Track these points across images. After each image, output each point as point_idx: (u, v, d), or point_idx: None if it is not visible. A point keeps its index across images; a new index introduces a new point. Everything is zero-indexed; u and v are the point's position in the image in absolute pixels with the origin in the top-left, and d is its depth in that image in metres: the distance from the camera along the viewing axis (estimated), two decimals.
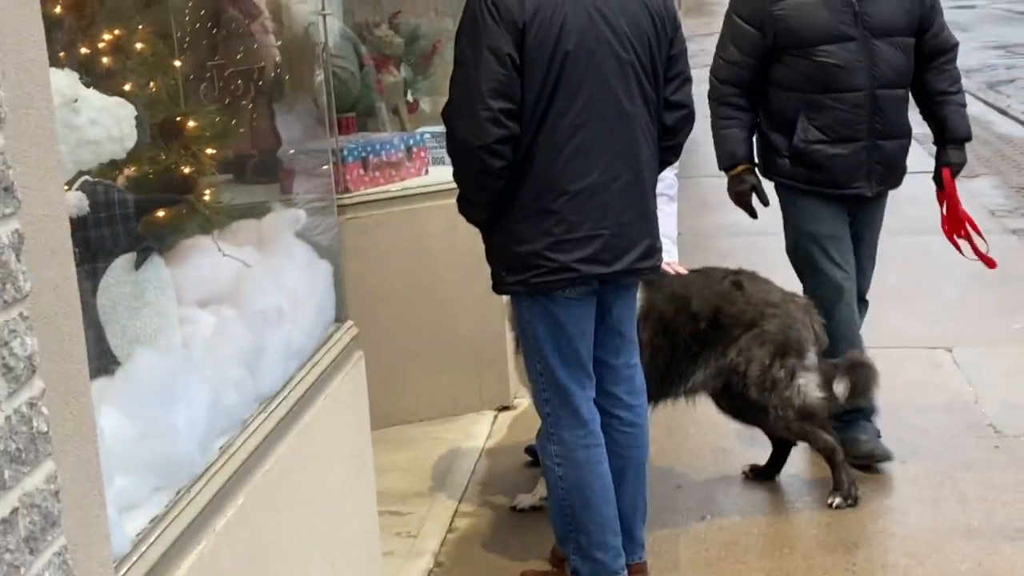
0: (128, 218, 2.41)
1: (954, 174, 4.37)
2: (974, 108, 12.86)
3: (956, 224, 4.48)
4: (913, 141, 4.33)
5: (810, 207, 4.23)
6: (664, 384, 3.94)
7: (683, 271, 3.98)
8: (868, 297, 4.49)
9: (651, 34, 3.13)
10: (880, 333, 5.54)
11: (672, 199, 4.08)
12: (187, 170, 2.69)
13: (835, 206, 4.23)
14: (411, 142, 4.94)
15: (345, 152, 4.69)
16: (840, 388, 4.00)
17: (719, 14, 4.79)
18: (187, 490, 2.05)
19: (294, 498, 2.43)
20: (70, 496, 1.45)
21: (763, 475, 4.20)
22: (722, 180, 4.41)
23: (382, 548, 3.63)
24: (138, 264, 2.39)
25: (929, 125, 4.43)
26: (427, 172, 4.95)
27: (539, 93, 3.00)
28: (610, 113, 3.07)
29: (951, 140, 4.31)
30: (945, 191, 4.42)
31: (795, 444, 4.16)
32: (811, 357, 3.95)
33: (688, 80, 3.28)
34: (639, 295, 3.79)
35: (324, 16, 4.59)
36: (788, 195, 4.28)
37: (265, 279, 2.68)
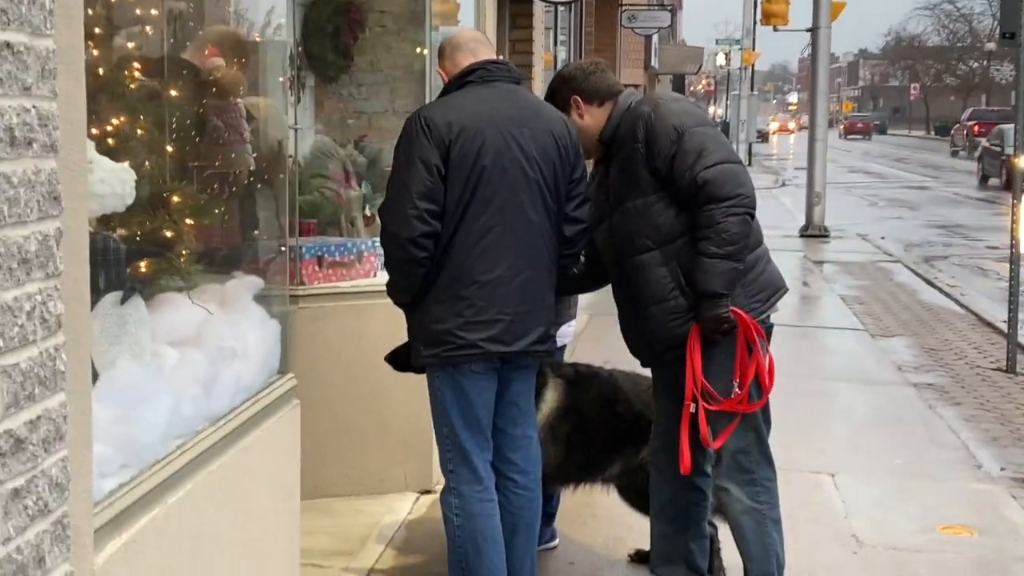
0: (120, 263, 3.01)
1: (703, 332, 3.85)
2: (903, 276, 13.93)
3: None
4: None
5: None
6: (583, 472, 4.56)
7: None
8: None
9: (556, 159, 3.82)
10: (775, 458, 6.17)
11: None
12: (169, 234, 3.32)
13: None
14: (363, 247, 5.60)
15: (303, 250, 5.34)
16: None
17: None
18: (148, 469, 2.61)
19: (231, 499, 2.99)
20: (71, 424, 2.03)
21: (647, 559, 4.73)
22: None
23: None
24: (123, 300, 2.98)
25: None
26: (375, 275, 5.58)
27: (458, 199, 3.66)
28: (517, 220, 3.73)
29: None
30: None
31: None
32: None
33: (587, 200, 3.96)
34: (559, 395, 4.41)
35: (296, 130, 5.30)
36: None
37: (223, 327, 3.28)
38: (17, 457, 1.82)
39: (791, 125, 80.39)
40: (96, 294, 2.83)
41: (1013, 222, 8.84)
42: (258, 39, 5.24)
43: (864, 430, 7.08)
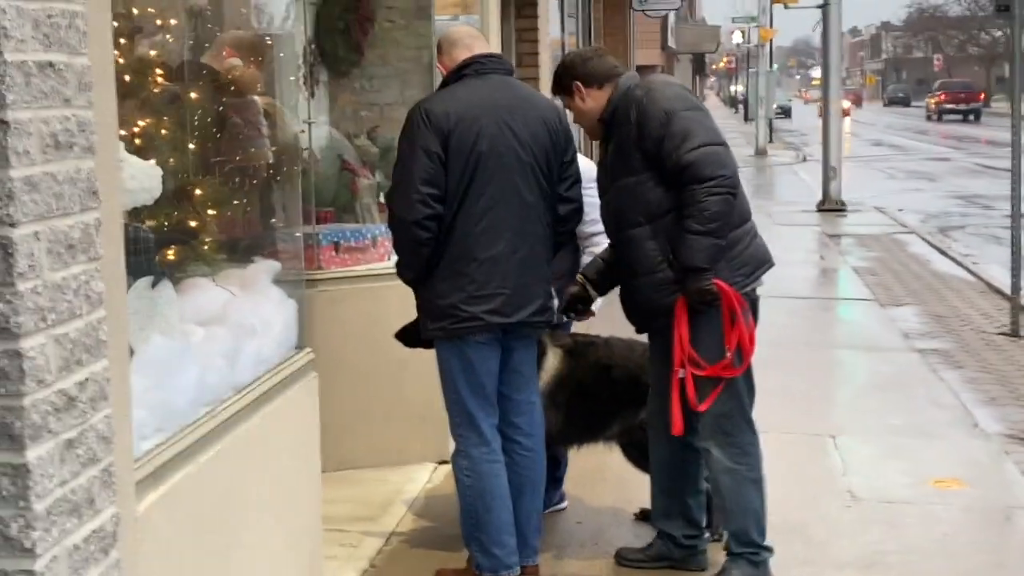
0: (150, 251, 3.34)
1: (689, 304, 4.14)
2: (917, 247, 14.13)
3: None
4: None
5: None
6: (585, 433, 4.87)
7: None
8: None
9: (548, 144, 4.12)
10: (779, 421, 6.47)
11: None
12: (193, 223, 3.65)
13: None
14: (377, 232, 5.92)
15: (320, 237, 5.67)
16: None
17: None
18: (181, 431, 2.94)
19: (256, 461, 3.31)
20: (113, 386, 2.36)
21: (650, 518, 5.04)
22: None
23: (326, 554, 4.48)
24: (154, 284, 3.30)
25: None
26: (389, 258, 5.88)
27: (458, 183, 3.97)
28: (513, 201, 4.04)
29: None
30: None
31: None
32: None
33: (578, 181, 4.26)
34: (557, 363, 4.71)
35: (310, 124, 5.62)
36: None
37: (244, 306, 3.60)
38: (70, 412, 2.15)
39: (845, 104, 65.33)
40: (130, 279, 3.17)
41: (1013, 191, 9.08)
42: (271, 39, 5.53)
43: (866, 394, 7.37)
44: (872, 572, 4.54)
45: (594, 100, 4.35)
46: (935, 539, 4.87)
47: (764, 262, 4.34)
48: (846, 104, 55.31)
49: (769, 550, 4.34)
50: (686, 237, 4.06)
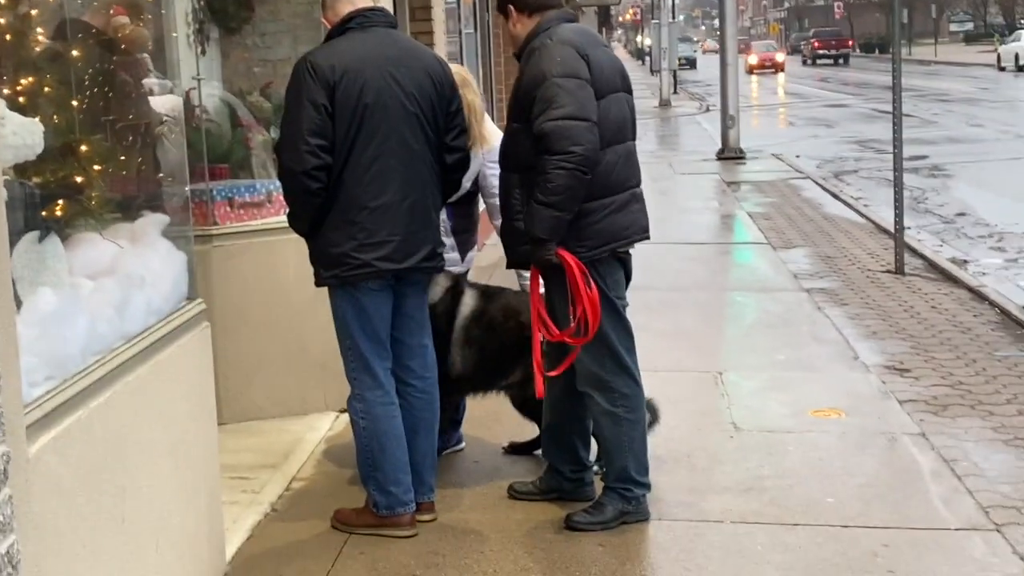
0: (36, 206, 3.40)
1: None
2: (811, 192, 14.52)
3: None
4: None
5: None
6: (491, 376, 5.03)
7: None
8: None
9: (433, 94, 4.24)
10: (670, 361, 6.71)
11: None
12: (79, 179, 3.71)
13: None
14: (272, 187, 5.99)
15: (214, 192, 5.73)
16: None
17: None
18: (71, 378, 3.04)
19: (149, 406, 3.42)
20: None
21: (519, 450, 5.30)
22: None
23: (229, 499, 4.61)
24: (41, 239, 3.37)
25: None
26: (284, 213, 5.94)
27: (346, 133, 4.08)
28: (400, 150, 4.16)
29: None
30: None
31: None
32: None
33: (464, 131, 4.40)
34: (474, 302, 4.89)
35: (199, 81, 5.66)
36: None
37: (133, 259, 3.68)
38: None
39: (780, 57, 55.88)
40: (17, 235, 3.23)
41: (895, 133, 9.42)
42: None
43: (754, 333, 7.65)
44: (750, 495, 4.80)
45: (523, 27, 4.34)
46: (811, 464, 5.15)
47: (619, 238, 4.30)
48: (780, 57, 56.33)
49: (645, 486, 4.53)
50: (531, 204, 4.13)
